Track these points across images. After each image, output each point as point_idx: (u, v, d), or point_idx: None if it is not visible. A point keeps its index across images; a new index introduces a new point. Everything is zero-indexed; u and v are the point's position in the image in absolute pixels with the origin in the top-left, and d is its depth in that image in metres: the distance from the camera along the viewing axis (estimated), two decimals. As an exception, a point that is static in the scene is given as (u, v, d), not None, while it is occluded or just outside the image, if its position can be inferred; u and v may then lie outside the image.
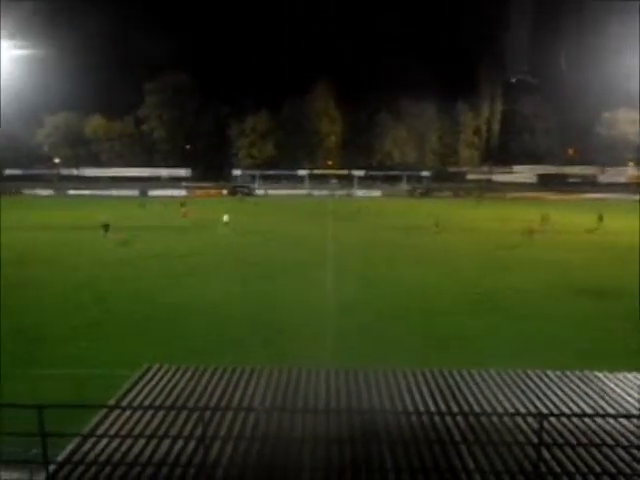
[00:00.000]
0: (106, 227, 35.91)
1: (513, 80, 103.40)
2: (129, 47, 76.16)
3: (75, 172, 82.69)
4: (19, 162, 79.73)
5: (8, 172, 79.98)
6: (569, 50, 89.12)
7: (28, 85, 66.72)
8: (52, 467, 5.71)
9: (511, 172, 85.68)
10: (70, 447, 6.10)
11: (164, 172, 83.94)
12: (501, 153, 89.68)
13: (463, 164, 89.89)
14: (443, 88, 79.72)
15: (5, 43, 62.65)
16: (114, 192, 74.89)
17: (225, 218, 39.83)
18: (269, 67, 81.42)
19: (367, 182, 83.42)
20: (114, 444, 6.15)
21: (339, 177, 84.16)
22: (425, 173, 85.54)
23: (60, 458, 5.92)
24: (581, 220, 45.17)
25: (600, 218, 41.71)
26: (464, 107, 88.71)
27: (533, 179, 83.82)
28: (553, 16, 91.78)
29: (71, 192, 75.88)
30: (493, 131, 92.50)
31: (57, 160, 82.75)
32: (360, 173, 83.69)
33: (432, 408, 6.98)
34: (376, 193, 79.82)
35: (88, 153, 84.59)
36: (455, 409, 6.93)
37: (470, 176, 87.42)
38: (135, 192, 75.15)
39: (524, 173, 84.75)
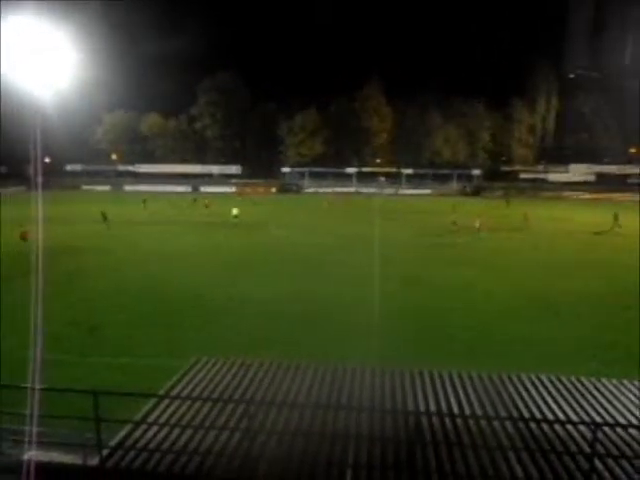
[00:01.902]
0: (104, 216, 39.95)
1: (571, 76, 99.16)
2: (184, 47, 77.99)
3: (131, 168, 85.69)
4: (79, 158, 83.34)
5: (69, 168, 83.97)
6: (631, 44, 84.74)
7: (88, 85, 69.52)
8: (105, 451, 5.95)
9: (567, 171, 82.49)
10: (122, 433, 6.34)
11: (215, 169, 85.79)
12: (557, 152, 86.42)
13: (516, 163, 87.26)
14: (497, 85, 77.73)
15: (68, 45, 65.39)
16: (167, 188, 77.15)
17: (234, 211, 42.09)
18: (318, 65, 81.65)
19: (416, 180, 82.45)
20: (163, 432, 6.35)
21: (387, 175, 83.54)
22: (476, 172, 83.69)
23: (112, 443, 6.16)
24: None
25: (615, 217, 40.36)
26: (519, 104, 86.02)
27: (591, 179, 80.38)
28: (615, 9, 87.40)
29: (127, 187, 78.85)
30: (549, 129, 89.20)
31: (114, 157, 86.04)
32: (409, 171, 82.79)
33: (479, 412, 6.82)
34: (425, 191, 78.75)
35: (144, 150, 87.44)
36: (503, 414, 6.75)
37: (524, 175, 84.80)
38: (188, 188, 77.51)
39: (581, 172, 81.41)
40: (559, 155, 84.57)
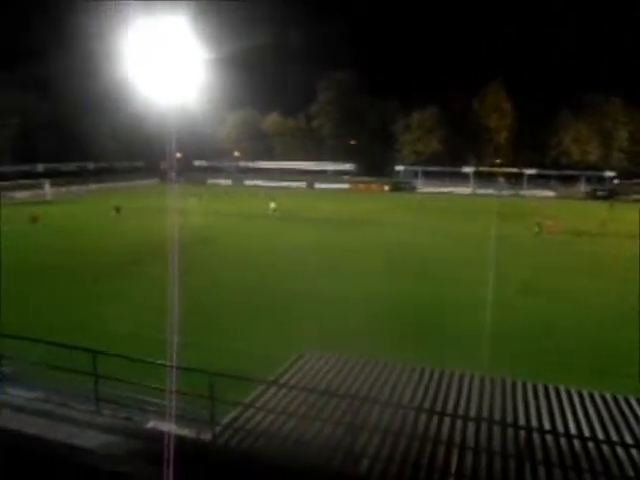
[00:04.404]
0: (117, 209, 41.61)
1: None
2: (305, 46, 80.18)
3: (250, 164, 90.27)
4: (205, 155, 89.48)
5: (197, 163, 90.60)
6: None
7: (214, 85, 73.97)
8: (218, 429, 6.36)
9: None
10: (233, 414, 6.73)
11: (330, 166, 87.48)
12: None
13: (659, 164, 78.37)
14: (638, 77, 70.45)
15: (197, 46, 69.87)
16: (284, 184, 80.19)
17: (272, 205, 43.50)
18: (437, 62, 79.74)
19: (538, 182, 77.18)
20: (270, 418, 6.63)
21: (507, 175, 79.27)
22: (609, 173, 76.48)
23: (224, 422, 6.57)
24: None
25: None
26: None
27: None
28: None
29: (247, 182, 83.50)
30: (701, 126, 78.99)
31: (236, 153, 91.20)
32: (531, 171, 77.69)
33: (600, 434, 6.28)
34: (548, 194, 73.61)
35: (263, 147, 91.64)
36: (629, 440, 6.15)
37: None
38: (303, 184, 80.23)
39: None
40: None
